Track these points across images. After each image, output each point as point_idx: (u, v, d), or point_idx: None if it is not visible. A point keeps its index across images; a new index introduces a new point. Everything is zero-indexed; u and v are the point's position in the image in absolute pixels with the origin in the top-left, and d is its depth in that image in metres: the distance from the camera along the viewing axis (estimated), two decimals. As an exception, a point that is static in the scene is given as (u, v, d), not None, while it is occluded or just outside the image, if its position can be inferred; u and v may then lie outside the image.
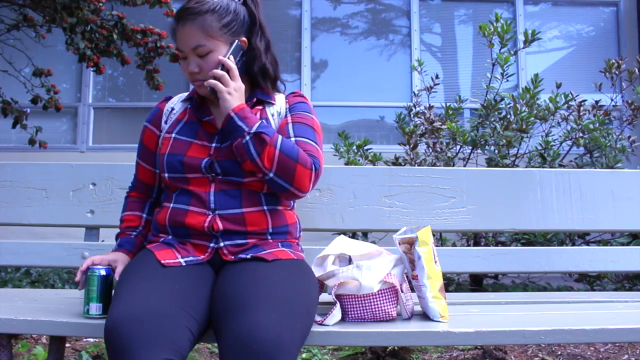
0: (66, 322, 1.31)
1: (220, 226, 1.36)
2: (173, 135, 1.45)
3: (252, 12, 1.47)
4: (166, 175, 1.42)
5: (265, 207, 1.41)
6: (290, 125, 1.44)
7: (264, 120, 1.40)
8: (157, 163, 1.51)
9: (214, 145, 1.42)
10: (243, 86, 1.40)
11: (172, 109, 1.52)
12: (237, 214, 1.38)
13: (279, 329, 1.10)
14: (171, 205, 1.41)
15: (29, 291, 2.01)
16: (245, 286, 1.23)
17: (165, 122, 1.51)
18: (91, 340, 2.60)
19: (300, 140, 1.41)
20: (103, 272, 1.33)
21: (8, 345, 1.38)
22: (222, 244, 1.37)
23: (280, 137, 1.35)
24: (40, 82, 4.31)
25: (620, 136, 3.03)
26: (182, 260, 1.34)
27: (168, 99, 1.57)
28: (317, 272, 1.42)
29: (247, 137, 1.32)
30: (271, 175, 1.34)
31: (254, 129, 1.32)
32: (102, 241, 1.86)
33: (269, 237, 1.41)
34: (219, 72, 1.36)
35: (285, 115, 1.48)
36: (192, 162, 1.39)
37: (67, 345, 2.54)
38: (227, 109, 1.35)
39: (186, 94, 1.56)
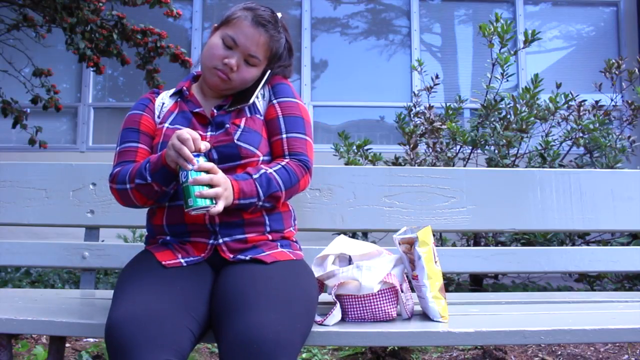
0: (66, 322, 1.31)
1: (217, 218, 1.36)
2: (166, 125, 1.46)
3: (289, 41, 1.53)
4: None
5: None
6: (281, 120, 1.47)
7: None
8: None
9: (208, 133, 1.43)
10: (224, 177, 1.30)
11: (163, 103, 1.53)
12: None
13: (278, 328, 1.10)
14: (166, 204, 1.41)
15: (29, 291, 2.01)
16: (245, 287, 1.23)
17: (158, 117, 1.51)
18: (91, 340, 2.60)
19: (291, 137, 1.46)
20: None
21: (8, 345, 1.38)
22: (220, 241, 1.37)
23: (277, 175, 1.38)
24: (40, 82, 4.31)
25: (620, 136, 3.02)
26: (182, 261, 1.34)
27: (156, 92, 1.57)
28: (317, 272, 1.42)
29: (260, 203, 1.37)
30: (284, 200, 1.44)
31: (262, 195, 1.35)
32: (102, 241, 1.86)
33: (267, 229, 1.41)
34: (211, 192, 1.24)
35: (270, 100, 1.51)
36: None
37: (67, 345, 2.54)
38: (229, 201, 1.29)
39: (173, 89, 1.57)
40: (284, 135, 1.46)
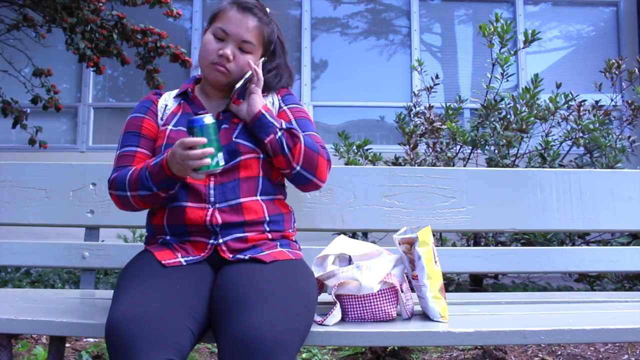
0: (66, 322, 1.31)
1: (219, 220, 1.37)
2: (169, 127, 1.46)
3: (280, 36, 1.55)
4: None
5: (259, 197, 1.42)
6: (294, 122, 1.49)
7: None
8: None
9: None
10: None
11: (166, 105, 1.53)
12: (234, 205, 1.39)
13: (277, 328, 1.11)
14: (167, 204, 1.41)
15: (29, 291, 2.01)
16: (244, 286, 1.23)
17: (161, 119, 1.51)
18: (91, 340, 2.60)
19: (309, 134, 1.47)
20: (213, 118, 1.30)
21: (8, 345, 1.38)
22: (220, 240, 1.37)
23: (301, 132, 1.42)
24: (40, 82, 4.31)
25: (620, 136, 3.02)
26: (182, 260, 1.34)
27: (159, 94, 1.57)
28: (317, 272, 1.42)
29: (280, 133, 1.38)
30: (298, 168, 1.41)
31: (284, 125, 1.40)
32: (102, 241, 1.86)
33: (267, 228, 1.42)
34: (259, 70, 1.44)
35: (280, 108, 1.53)
36: None
37: (67, 345, 2.54)
38: (257, 106, 1.41)
39: (176, 90, 1.57)
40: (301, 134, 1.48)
